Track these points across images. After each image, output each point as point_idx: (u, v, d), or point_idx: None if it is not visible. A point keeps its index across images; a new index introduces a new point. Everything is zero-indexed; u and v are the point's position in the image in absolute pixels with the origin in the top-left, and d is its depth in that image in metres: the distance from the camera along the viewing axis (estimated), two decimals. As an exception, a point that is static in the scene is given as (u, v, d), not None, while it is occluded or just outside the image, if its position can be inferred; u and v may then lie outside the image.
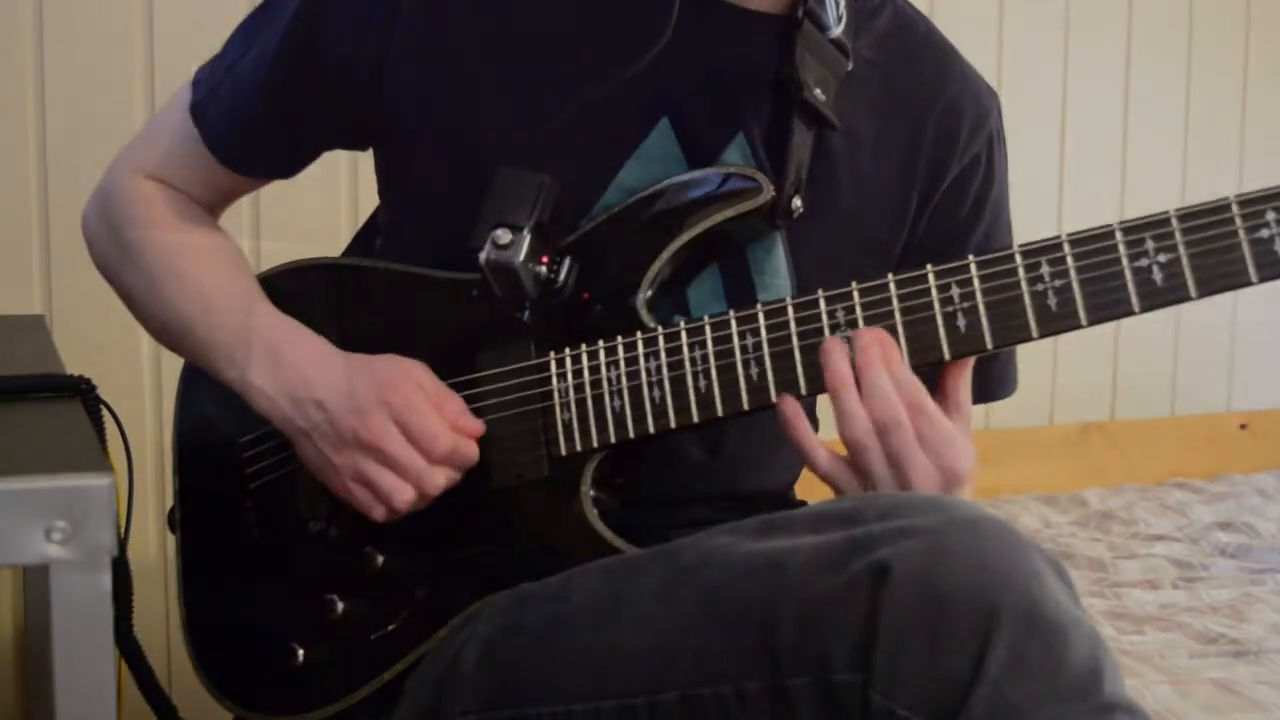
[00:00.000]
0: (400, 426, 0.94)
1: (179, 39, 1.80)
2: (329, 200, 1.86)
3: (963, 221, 1.08)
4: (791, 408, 0.91)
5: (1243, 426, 2.53)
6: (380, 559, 1.01)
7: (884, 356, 0.88)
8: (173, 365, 1.17)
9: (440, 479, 0.96)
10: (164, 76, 1.80)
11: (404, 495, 0.95)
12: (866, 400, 0.88)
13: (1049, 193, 2.37)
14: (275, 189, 1.18)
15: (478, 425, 0.97)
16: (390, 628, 1.00)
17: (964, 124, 1.07)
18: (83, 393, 0.94)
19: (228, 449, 1.10)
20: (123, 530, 1.11)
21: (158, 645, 1.83)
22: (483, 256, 0.93)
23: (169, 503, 1.17)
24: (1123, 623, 1.70)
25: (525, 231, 0.93)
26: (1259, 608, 1.73)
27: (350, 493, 0.97)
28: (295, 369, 0.98)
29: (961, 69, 1.10)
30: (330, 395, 0.97)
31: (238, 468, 1.09)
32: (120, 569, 0.90)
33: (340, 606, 1.02)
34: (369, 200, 1.17)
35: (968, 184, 1.08)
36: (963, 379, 0.92)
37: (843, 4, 1.02)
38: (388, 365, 0.97)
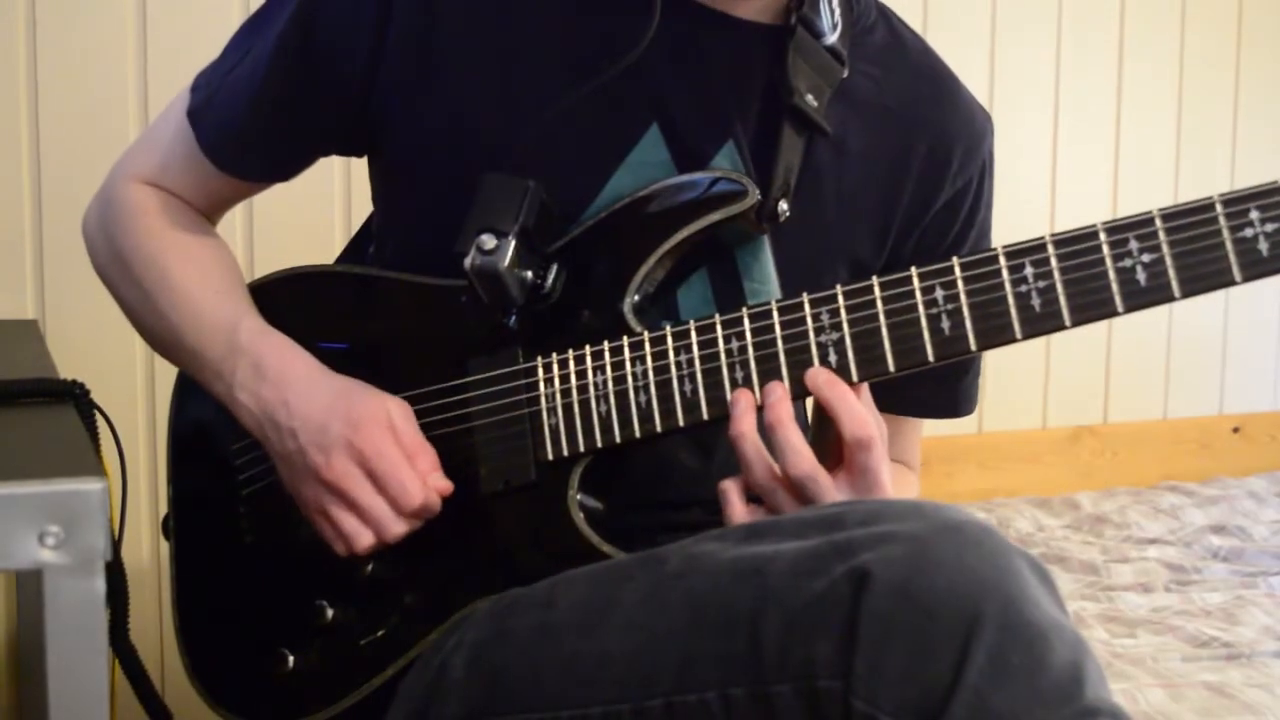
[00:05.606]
0: (368, 474, 0.95)
1: (174, 40, 1.80)
2: (323, 207, 1.85)
3: (948, 247, 1.09)
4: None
5: (1235, 430, 2.53)
6: (369, 565, 1.00)
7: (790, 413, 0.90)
8: (166, 370, 1.17)
9: (401, 529, 0.96)
10: (158, 79, 1.79)
11: (363, 540, 0.96)
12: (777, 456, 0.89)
13: (1041, 193, 2.38)
14: (269, 196, 1.18)
15: (447, 485, 0.97)
16: (380, 633, 1.01)
17: (957, 149, 1.07)
18: (76, 397, 0.94)
19: (220, 456, 1.10)
20: (116, 535, 1.11)
21: (152, 650, 1.83)
22: (467, 262, 0.93)
23: (163, 508, 1.17)
24: (1115, 626, 1.70)
25: (510, 237, 0.93)
26: (1251, 611, 1.74)
27: (314, 523, 0.99)
28: (277, 390, 0.99)
29: (958, 92, 1.10)
30: (304, 427, 0.97)
31: (231, 474, 1.10)
32: (114, 573, 0.90)
33: (330, 613, 1.02)
34: (363, 207, 1.18)
35: (957, 210, 1.09)
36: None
37: (838, 13, 1.03)
38: (366, 404, 0.97)
